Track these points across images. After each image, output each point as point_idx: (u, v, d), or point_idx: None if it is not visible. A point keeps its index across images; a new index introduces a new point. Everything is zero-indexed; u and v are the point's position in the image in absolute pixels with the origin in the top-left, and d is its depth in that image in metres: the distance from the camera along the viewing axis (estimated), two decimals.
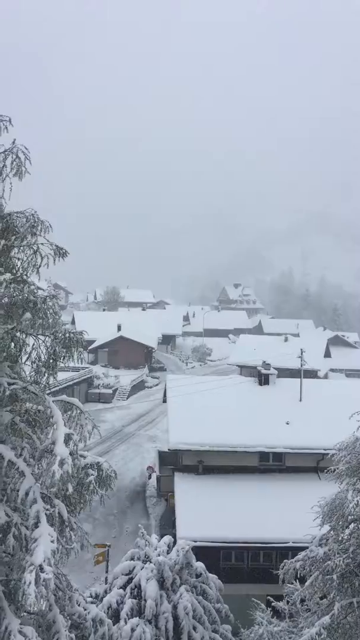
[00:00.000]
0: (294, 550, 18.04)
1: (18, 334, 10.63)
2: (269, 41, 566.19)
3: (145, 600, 16.31)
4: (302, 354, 37.24)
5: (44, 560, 8.60)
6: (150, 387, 71.37)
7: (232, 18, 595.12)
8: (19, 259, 10.53)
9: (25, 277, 10.38)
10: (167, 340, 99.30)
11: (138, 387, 69.28)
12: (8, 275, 9.65)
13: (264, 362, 36.99)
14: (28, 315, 9.94)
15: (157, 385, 71.20)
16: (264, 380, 34.99)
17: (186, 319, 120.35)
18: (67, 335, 10.57)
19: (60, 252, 10.56)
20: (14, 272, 10.29)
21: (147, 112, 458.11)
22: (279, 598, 17.52)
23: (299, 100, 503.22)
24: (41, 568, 8.53)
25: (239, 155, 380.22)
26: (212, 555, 23.71)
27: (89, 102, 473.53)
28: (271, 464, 29.42)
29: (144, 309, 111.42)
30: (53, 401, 10.62)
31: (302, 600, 15.65)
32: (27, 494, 9.61)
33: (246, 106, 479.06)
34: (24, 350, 10.63)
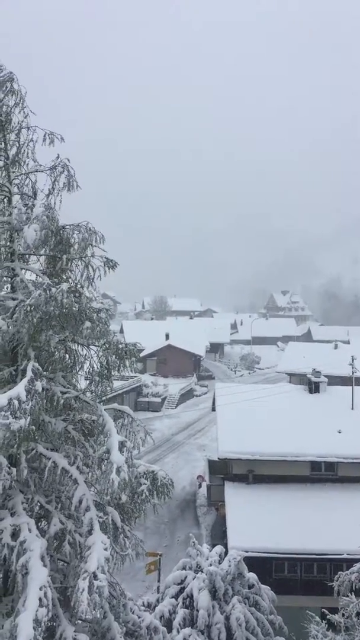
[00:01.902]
0: (349, 562, 17.65)
1: (70, 344, 10.85)
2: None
3: (197, 611, 16.25)
4: (352, 361, 36.49)
5: (98, 568, 8.69)
6: (199, 396, 71.30)
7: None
8: (72, 270, 10.77)
9: (79, 288, 10.59)
10: (215, 348, 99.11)
11: (187, 395, 69.32)
12: (65, 286, 9.85)
13: (314, 369, 36.45)
14: (88, 324, 10.11)
15: (205, 393, 71.07)
16: (314, 388, 34.47)
17: (234, 326, 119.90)
18: (120, 345, 10.72)
19: (110, 264, 10.73)
20: (69, 283, 10.51)
21: (187, 122, 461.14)
22: (334, 611, 17.12)
23: (342, 99, 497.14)
24: (95, 575, 8.61)
25: (279, 157, 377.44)
26: (264, 566, 23.41)
27: (130, 110, 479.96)
28: (323, 473, 28.87)
29: (191, 318, 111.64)
30: (104, 409, 10.77)
31: (358, 614, 15.26)
32: (80, 501, 9.76)
33: (277, 107, 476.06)
34: (77, 360, 10.84)
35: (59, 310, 9.64)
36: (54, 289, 9.67)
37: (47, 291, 9.63)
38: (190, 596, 16.84)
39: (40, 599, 8.56)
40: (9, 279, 10.85)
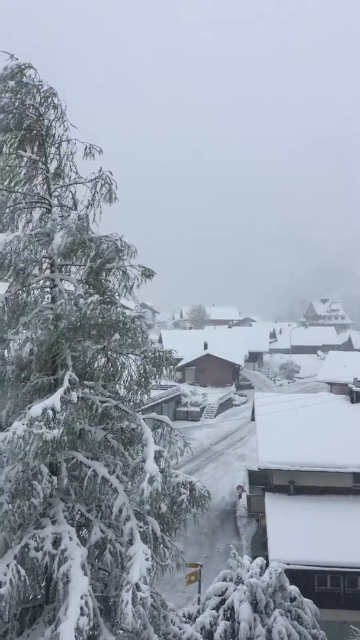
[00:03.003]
0: None
1: (109, 353, 10.93)
2: None
3: (238, 623, 16.02)
4: None
5: (140, 579, 8.66)
6: (238, 405, 70.84)
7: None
8: (108, 280, 10.87)
9: (113, 298, 10.68)
10: (254, 357, 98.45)
11: (225, 405, 68.95)
12: (96, 297, 9.94)
13: (356, 379, 35.78)
14: (117, 336, 10.19)
15: (244, 403, 70.57)
16: (355, 397, 33.84)
17: (273, 335, 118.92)
18: (157, 354, 10.74)
19: (147, 273, 10.78)
20: (104, 294, 10.61)
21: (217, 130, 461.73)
22: None
23: None
24: (137, 587, 8.58)
25: (319, 168, 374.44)
26: (306, 579, 22.99)
27: (168, 115, 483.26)
28: None
29: (230, 327, 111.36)
30: (143, 419, 10.78)
31: None
32: (120, 510, 9.77)
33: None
34: (115, 369, 10.90)
35: (84, 321, 9.73)
36: (81, 300, 9.78)
37: (74, 302, 9.75)
38: (231, 608, 16.64)
39: (81, 608, 8.58)
40: (50, 290, 11.01)
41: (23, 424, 8.82)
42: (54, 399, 9.18)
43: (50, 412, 8.99)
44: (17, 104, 10.27)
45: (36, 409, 9.01)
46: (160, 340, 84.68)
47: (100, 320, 9.92)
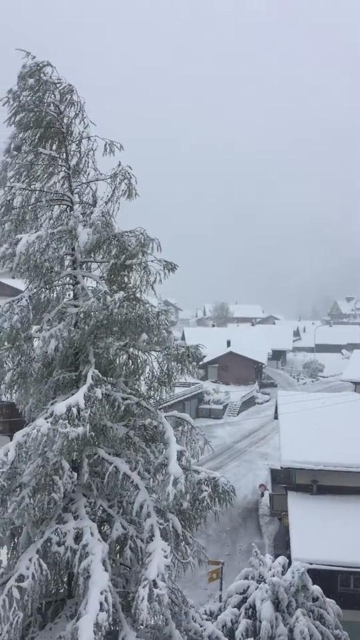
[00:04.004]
0: None
1: (131, 350, 10.93)
2: None
3: (260, 622, 15.96)
4: None
5: (158, 576, 8.64)
6: (261, 403, 70.57)
7: None
8: (130, 277, 10.86)
9: (137, 295, 10.66)
10: (277, 355, 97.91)
11: (248, 403, 68.74)
12: (121, 294, 9.94)
13: None
14: (144, 336, 10.16)
15: (267, 401, 70.29)
16: None
17: (296, 334, 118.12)
18: (180, 350, 10.68)
19: (170, 266, 10.73)
20: (127, 290, 10.60)
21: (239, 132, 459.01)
22: None
23: None
24: (154, 583, 8.57)
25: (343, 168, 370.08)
26: (329, 580, 22.78)
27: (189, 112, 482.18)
28: None
29: (253, 324, 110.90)
30: (165, 417, 10.76)
31: None
32: (141, 507, 9.77)
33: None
34: (139, 365, 10.89)
35: (111, 318, 9.73)
36: (108, 298, 9.77)
37: (103, 299, 9.74)
38: (253, 606, 16.58)
39: (101, 604, 8.61)
40: (72, 287, 11.06)
41: (47, 421, 8.84)
42: (78, 397, 9.18)
43: (75, 410, 9.00)
44: (36, 101, 10.32)
45: (60, 406, 9.00)
46: (183, 338, 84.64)
47: (124, 317, 9.91)
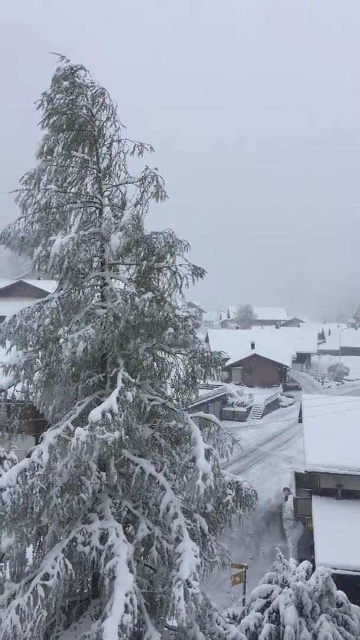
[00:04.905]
0: None
1: (158, 352, 10.97)
2: None
3: (283, 626, 15.85)
4: None
5: (190, 575, 8.66)
6: (285, 406, 70.09)
7: None
8: (158, 279, 10.88)
9: (165, 297, 10.69)
10: (302, 358, 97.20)
11: (272, 406, 68.33)
12: (150, 294, 9.97)
13: None
14: (171, 329, 10.15)
15: (291, 404, 69.77)
16: None
17: (321, 336, 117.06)
18: (205, 354, 10.71)
19: (198, 272, 10.74)
20: (155, 292, 10.63)
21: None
22: None
23: None
24: (188, 583, 8.59)
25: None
26: (354, 585, 22.49)
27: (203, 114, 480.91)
28: None
29: (277, 327, 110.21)
30: (190, 417, 10.77)
31: None
32: (168, 508, 9.78)
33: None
34: (164, 368, 10.92)
35: (140, 319, 9.75)
36: (137, 298, 9.79)
37: (131, 300, 9.77)
38: (277, 611, 16.47)
39: (126, 605, 8.64)
40: (100, 288, 11.12)
41: (85, 429, 8.85)
42: (111, 401, 9.17)
43: (109, 415, 9.01)
44: (69, 104, 10.42)
45: (96, 412, 8.98)
46: (207, 340, 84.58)
47: (152, 318, 9.93)
